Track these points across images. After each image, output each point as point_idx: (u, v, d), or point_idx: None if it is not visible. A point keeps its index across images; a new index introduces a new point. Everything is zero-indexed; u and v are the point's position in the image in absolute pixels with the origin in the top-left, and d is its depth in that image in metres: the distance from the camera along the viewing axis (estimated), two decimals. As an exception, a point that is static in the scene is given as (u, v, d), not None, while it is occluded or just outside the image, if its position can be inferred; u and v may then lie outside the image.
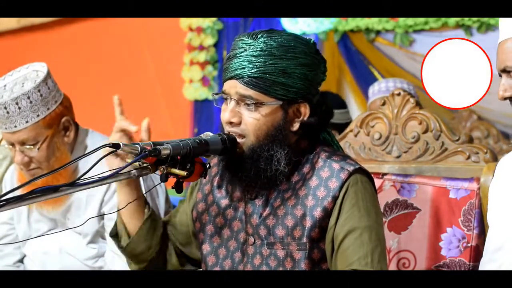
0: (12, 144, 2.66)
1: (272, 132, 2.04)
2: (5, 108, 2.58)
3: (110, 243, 2.73)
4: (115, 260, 2.67)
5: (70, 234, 2.72)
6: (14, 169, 2.89)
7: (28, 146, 2.63)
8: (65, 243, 2.76)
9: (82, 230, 2.71)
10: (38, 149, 2.64)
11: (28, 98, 2.59)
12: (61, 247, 2.76)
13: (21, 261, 2.90)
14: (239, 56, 2.03)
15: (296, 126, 2.08)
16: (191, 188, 2.27)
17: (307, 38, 2.12)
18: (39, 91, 2.61)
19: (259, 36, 2.04)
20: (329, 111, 2.17)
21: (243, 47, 2.04)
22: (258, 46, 2.02)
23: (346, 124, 4.12)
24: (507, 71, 1.94)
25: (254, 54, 2.02)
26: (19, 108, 2.58)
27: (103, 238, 2.76)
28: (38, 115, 2.62)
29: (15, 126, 2.61)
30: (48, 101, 2.65)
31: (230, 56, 2.06)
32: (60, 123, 2.70)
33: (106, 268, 2.72)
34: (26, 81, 2.62)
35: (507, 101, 1.97)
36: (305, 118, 2.08)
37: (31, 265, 2.85)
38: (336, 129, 4.16)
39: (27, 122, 2.61)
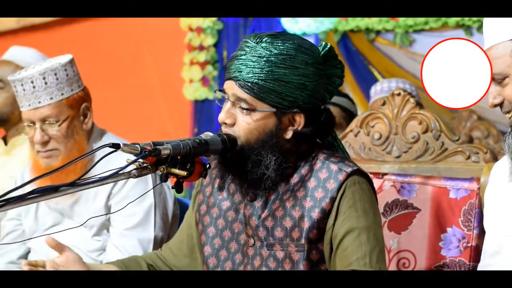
0: (33, 123, 2.70)
1: (263, 137, 2.04)
2: (32, 82, 2.64)
3: (113, 236, 2.74)
4: (116, 255, 2.67)
5: (74, 226, 2.72)
6: (25, 168, 2.91)
7: (49, 122, 2.68)
8: (70, 235, 2.76)
9: (87, 222, 2.72)
10: (59, 126, 2.69)
11: (55, 74, 2.66)
12: (66, 241, 2.76)
13: (25, 257, 2.90)
14: (239, 59, 2.03)
15: (289, 135, 2.07)
16: (193, 199, 2.28)
17: (324, 45, 2.09)
18: (65, 70, 2.69)
19: (263, 40, 2.03)
20: (331, 121, 2.15)
21: (244, 50, 2.03)
22: (258, 51, 2.02)
23: (352, 113, 4.14)
24: (494, 78, 1.94)
25: (252, 59, 2.01)
26: (46, 83, 2.65)
27: (108, 231, 2.77)
28: (62, 94, 2.69)
29: (39, 102, 2.66)
30: (72, 83, 2.72)
31: (233, 57, 2.06)
32: (80, 108, 2.75)
33: (106, 261, 2.72)
34: (52, 65, 2.69)
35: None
36: (299, 128, 2.07)
37: (35, 259, 2.84)
38: (348, 115, 4.19)
39: (51, 98, 2.67)
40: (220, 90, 2.12)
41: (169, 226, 2.79)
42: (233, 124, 2.05)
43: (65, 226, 2.73)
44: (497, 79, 1.94)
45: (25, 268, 2.03)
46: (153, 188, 2.68)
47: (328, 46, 2.10)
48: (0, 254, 2.91)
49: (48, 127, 2.69)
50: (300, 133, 2.07)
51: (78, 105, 2.74)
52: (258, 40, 2.03)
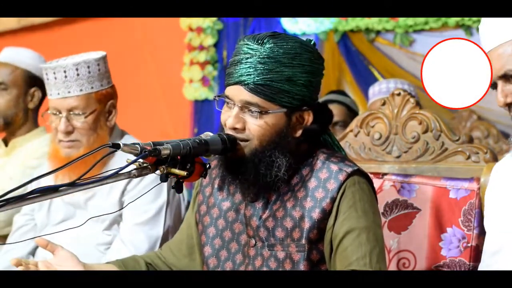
0: (59, 112, 2.74)
1: (275, 138, 2.04)
2: (65, 71, 2.69)
3: (122, 230, 2.75)
4: (121, 250, 2.70)
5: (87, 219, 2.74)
6: (41, 161, 2.98)
7: (75, 113, 2.73)
8: (81, 227, 2.77)
9: (99, 217, 2.73)
10: (85, 118, 2.73)
11: (88, 67, 2.71)
12: (77, 234, 2.78)
13: (32, 252, 2.90)
14: (245, 62, 2.02)
15: (299, 133, 2.08)
16: (193, 199, 2.28)
17: (308, 40, 2.11)
18: (98, 65, 2.75)
19: (265, 41, 2.01)
20: (330, 116, 2.17)
21: (249, 53, 2.02)
22: (264, 53, 2.00)
23: (356, 113, 4.19)
24: (508, 75, 1.92)
25: (260, 61, 2.00)
26: (78, 74, 2.70)
27: (119, 226, 2.79)
28: (92, 87, 2.74)
29: (69, 92, 2.72)
30: (103, 78, 2.78)
31: (235, 61, 2.04)
32: (107, 104, 2.81)
33: (109, 255, 2.74)
34: (86, 58, 2.73)
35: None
36: (308, 124, 2.08)
37: (44, 253, 2.85)
38: (352, 112, 4.23)
39: (81, 90, 2.72)
40: (220, 96, 2.11)
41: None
42: (243, 129, 2.04)
43: (78, 218, 2.78)
44: (510, 76, 1.92)
45: (18, 268, 2.02)
46: (157, 185, 2.69)
47: (313, 42, 2.12)
48: (6, 251, 2.92)
49: (73, 118, 2.73)
50: (310, 130, 2.09)
51: (105, 101, 2.79)
52: (260, 41, 2.02)
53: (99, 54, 2.78)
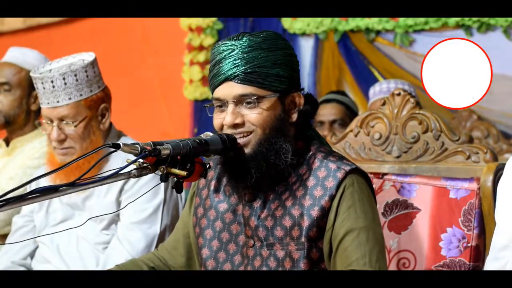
0: (51, 120, 2.75)
1: (276, 124, 2.05)
2: (52, 82, 2.69)
3: (119, 229, 2.76)
4: (118, 249, 2.70)
5: (86, 219, 2.75)
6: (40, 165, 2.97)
7: (66, 122, 2.73)
8: (80, 229, 2.78)
9: (97, 216, 2.74)
10: (76, 126, 2.73)
11: (75, 75, 2.70)
12: (76, 234, 2.78)
13: (31, 254, 2.91)
14: (229, 57, 2.05)
15: (294, 116, 2.10)
16: (189, 200, 2.27)
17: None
18: (86, 71, 2.73)
19: (241, 36, 2.07)
20: (315, 101, 2.19)
21: (229, 49, 2.05)
22: (244, 44, 2.05)
23: (355, 113, 4.19)
24: None
25: (244, 51, 2.04)
26: (65, 83, 2.70)
27: (116, 225, 2.80)
28: (81, 95, 2.73)
29: (58, 102, 2.71)
30: (92, 84, 2.76)
31: (217, 61, 2.07)
32: (99, 109, 2.80)
33: (106, 254, 2.75)
34: (73, 65, 2.74)
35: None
36: (301, 107, 2.11)
37: (46, 251, 2.85)
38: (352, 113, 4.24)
39: (69, 99, 2.72)
40: (210, 104, 2.10)
41: None
42: (243, 123, 2.05)
43: (76, 219, 2.79)
44: None
45: None
46: (151, 190, 2.69)
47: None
48: (6, 251, 2.92)
49: (65, 126, 2.74)
50: (304, 112, 2.11)
51: (96, 106, 2.79)
52: (235, 38, 2.07)
53: (88, 58, 2.77)
